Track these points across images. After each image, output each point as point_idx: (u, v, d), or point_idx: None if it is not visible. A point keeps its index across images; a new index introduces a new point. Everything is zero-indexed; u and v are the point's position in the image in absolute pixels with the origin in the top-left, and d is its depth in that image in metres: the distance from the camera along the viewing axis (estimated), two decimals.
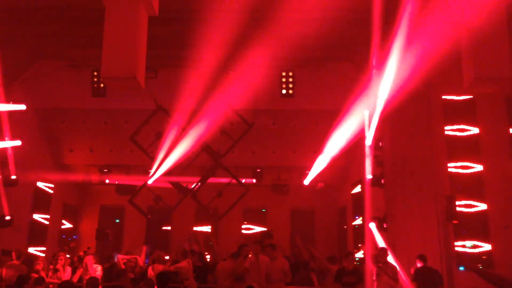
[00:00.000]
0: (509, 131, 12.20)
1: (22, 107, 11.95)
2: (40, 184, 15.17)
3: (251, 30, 12.19)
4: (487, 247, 11.54)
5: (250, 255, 9.18)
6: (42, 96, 14.32)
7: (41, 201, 15.11)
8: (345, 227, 16.78)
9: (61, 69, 13.84)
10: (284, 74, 13.88)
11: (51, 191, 15.61)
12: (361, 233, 14.66)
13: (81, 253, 11.45)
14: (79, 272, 9.49)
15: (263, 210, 18.04)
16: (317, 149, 15.82)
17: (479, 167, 12.01)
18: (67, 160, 16.39)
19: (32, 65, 13.67)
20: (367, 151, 12.29)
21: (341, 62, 13.68)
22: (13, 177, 11.97)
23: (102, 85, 13.53)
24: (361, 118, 12.22)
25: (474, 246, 11.53)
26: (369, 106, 11.74)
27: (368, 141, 12.10)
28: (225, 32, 12.59)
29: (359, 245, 14.87)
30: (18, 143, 12.14)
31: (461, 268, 11.45)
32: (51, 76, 13.97)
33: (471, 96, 12.16)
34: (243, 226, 17.63)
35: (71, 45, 13.10)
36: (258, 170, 16.13)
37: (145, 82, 12.46)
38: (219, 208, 15.43)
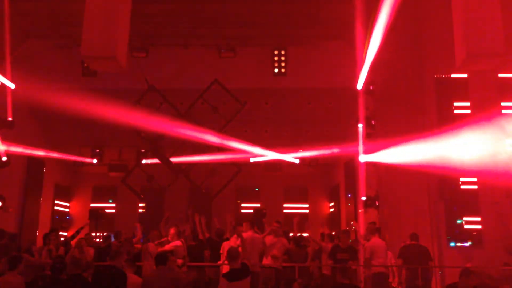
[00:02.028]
0: (500, 108, 12.25)
1: (11, 85, 11.78)
2: (31, 165, 15.10)
3: (243, 7, 12.09)
4: (477, 223, 11.68)
5: (243, 234, 9.28)
6: (32, 77, 14.14)
7: (33, 182, 15.05)
8: (337, 204, 16.91)
9: (50, 48, 13.66)
10: (276, 52, 13.78)
11: (43, 172, 15.56)
12: (353, 211, 14.82)
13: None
14: (71, 252, 9.54)
15: (256, 189, 18.12)
16: (310, 128, 15.89)
17: None
18: (59, 140, 16.29)
19: (20, 45, 13.47)
20: (360, 129, 12.35)
21: (334, 40, 13.59)
22: (4, 158, 11.89)
23: None
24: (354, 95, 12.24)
25: (465, 222, 11.67)
26: (361, 84, 11.75)
27: (361, 120, 12.14)
28: (216, 9, 12.48)
29: (351, 222, 15.02)
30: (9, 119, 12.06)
31: (452, 244, 11.61)
32: (40, 56, 13.79)
33: (465, 75, 12.17)
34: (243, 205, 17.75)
35: (60, 24, 12.91)
36: None
37: (136, 62, 12.41)
38: (213, 187, 15.46)
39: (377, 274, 9.31)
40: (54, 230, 11.03)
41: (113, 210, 17.66)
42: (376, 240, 9.63)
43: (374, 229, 10.05)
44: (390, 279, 9.91)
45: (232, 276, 6.73)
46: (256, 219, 11.58)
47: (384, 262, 9.43)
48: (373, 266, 9.32)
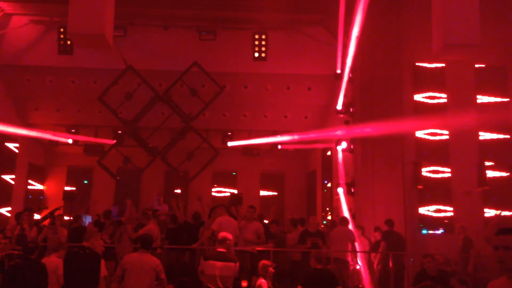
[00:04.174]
0: (476, 98, 12.44)
1: None
2: (4, 143, 14.81)
3: None
4: (449, 211, 11.92)
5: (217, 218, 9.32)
6: (6, 52, 13.82)
7: (6, 161, 14.79)
8: (314, 190, 17.05)
9: (26, 24, 13.33)
10: (257, 36, 13.68)
11: (16, 150, 15.28)
12: (329, 196, 14.96)
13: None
14: (44, 232, 9.45)
15: (234, 173, 18.13)
16: (288, 113, 15.91)
17: (445, 134, 12.27)
18: (33, 119, 15.99)
19: None
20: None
21: (315, 26, 13.57)
22: None
23: (69, 42, 13.09)
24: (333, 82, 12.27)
25: (437, 211, 11.89)
26: (340, 68, 11.79)
27: (339, 105, 12.19)
28: None
29: (327, 208, 15.19)
30: None
31: (424, 231, 11.84)
32: (15, 31, 13.46)
33: (442, 64, 12.30)
34: (214, 189, 17.73)
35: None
36: (229, 133, 16.11)
37: (114, 41, 12.22)
38: (189, 170, 15.41)
39: (334, 259, 9.56)
40: (28, 210, 10.89)
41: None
42: (336, 229, 10.17)
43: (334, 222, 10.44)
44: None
45: (209, 255, 6.85)
46: (232, 204, 11.60)
47: (341, 249, 9.73)
48: (334, 251, 9.65)
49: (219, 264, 6.67)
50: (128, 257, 6.92)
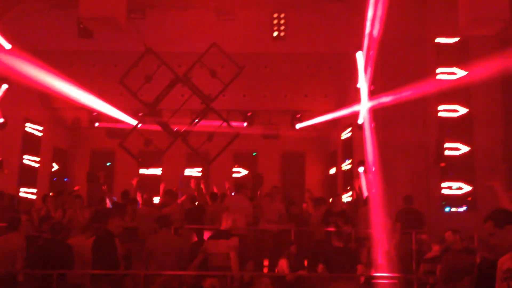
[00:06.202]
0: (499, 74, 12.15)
1: (7, 45, 11.62)
2: (29, 127, 15.08)
3: None
4: (471, 189, 11.76)
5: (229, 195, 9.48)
6: (27, 38, 13.93)
7: (31, 144, 15.08)
8: (334, 170, 17.00)
9: (45, 9, 13.40)
10: (275, 15, 13.54)
11: (40, 134, 15.55)
12: (350, 176, 14.91)
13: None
14: (68, 215, 9.60)
15: (254, 154, 18.15)
16: (309, 93, 15.80)
17: (467, 111, 12.05)
18: (56, 103, 16.19)
19: (15, 5, 13.20)
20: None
21: (335, 3, 13.35)
22: (1, 120, 11.87)
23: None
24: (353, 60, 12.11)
25: (459, 188, 11.76)
26: (361, 48, 11.61)
27: (361, 83, 12.05)
28: None
29: (348, 187, 15.14)
30: (4, 86, 11.98)
31: (447, 209, 11.74)
32: (35, 16, 13.55)
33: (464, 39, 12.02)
34: (234, 170, 17.81)
35: None
36: (249, 114, 16.08)
37: (133, 23, 12.22)
38: (210, 152, 15.47)
39: (360, 238, 9.52)
40: (55, 193, 11.13)
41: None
42: (365, 208, 9.98)
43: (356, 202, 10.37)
44: None
45: (212, 235, 7.26)
46: (254, 183, 11.64)
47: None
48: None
49: (214, 242, 7.03)
50: (153, 238, 7.01)
